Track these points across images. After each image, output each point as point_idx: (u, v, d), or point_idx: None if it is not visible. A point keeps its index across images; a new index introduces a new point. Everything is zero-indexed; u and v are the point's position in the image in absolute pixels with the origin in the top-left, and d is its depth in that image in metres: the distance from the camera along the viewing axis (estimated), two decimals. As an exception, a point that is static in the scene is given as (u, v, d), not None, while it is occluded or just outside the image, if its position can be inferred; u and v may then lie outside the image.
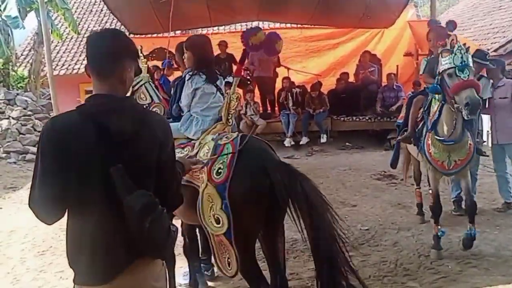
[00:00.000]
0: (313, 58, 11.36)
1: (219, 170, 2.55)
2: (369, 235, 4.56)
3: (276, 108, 10.20)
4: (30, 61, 13.55)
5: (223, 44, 9.67)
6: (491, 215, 5.00)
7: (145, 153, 1.65)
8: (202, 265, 3.75)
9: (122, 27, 9.25)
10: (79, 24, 14.69)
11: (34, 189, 1.58)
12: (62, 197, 1.56)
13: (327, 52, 11.38)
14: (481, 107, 3.56)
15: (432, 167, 3.91)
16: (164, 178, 1.73)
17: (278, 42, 9.67)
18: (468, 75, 3.41)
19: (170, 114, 3.29)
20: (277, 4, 8.94)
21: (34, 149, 8.52)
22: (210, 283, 3.72)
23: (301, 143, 9.42)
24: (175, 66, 6.25)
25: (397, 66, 10.38)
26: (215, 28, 11.38)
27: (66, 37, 14.91)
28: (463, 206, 4.69)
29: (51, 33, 12.30)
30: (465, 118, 3.45)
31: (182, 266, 3.70)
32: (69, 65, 14.31)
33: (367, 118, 9.55)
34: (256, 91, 10.01)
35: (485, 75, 5.09)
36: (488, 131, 4.92)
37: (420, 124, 4.18)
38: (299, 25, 10.94)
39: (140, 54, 3.52)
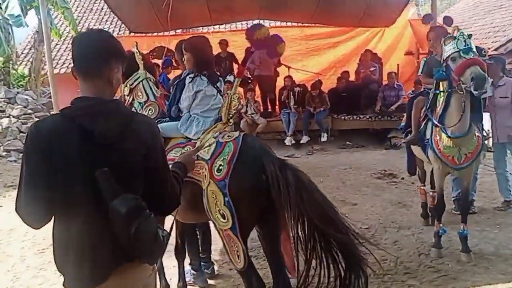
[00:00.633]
0: (313, 56, 11.36)
1: (220, 167, 2.58)
2: (369, 234, 4.55)
3: (277, 107, 10.19)
4: (31, 59, 13.56)
5: (223, 43, 9.65)
6: (491, 214, 5.00)
7: (131, 156, 1.63)
8: (202, 263, 3.76)
9: (123, 25, 9.24)
10: (79, 22, 14.70)
11: (20, 193, 1.58)
12: (48, 201, 1.55)
13: (327, 51, 11.37)
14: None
15: (443, 163, 3.85)
16: (157, 180, 1.72)
17: (280, 44, 9.62)
18: (472, 57, 3.38)
19: (168, 115, 3.26)
20: (278, 4, 8.92)
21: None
22: (210, 281, 3.72)
23: (301, 142, 9.43)
24: (175, 65, 6.25)
25: (398, 65, 10.39)
26: (216, 26, 11.37)
27: (67, 36, 14.90)
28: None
29: (50, 31, 12.29)
30: (474, 93, 3.36)
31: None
32: (70, 63, 14.24)
33: (367, 117, 9.55)
34: (257, 90, 10.00)
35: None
36: (488, 130, 4.90)
37: (423, 124, 4.17)
38: (299, 24, 10.93)
39: (136, 50, 3.47)
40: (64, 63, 14.33)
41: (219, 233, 2.63)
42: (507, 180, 5.19)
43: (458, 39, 3.44)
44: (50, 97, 9.47)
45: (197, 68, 3.10)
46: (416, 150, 4.48)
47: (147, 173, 1.68)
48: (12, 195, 6.77)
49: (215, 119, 3.09)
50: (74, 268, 1.59)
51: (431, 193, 4.64)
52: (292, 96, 9.58)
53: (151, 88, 3.47)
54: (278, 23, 11.55)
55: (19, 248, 4.75)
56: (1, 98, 10.69)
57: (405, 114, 4.95)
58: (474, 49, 3.46)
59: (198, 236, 3.77)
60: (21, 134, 10.00)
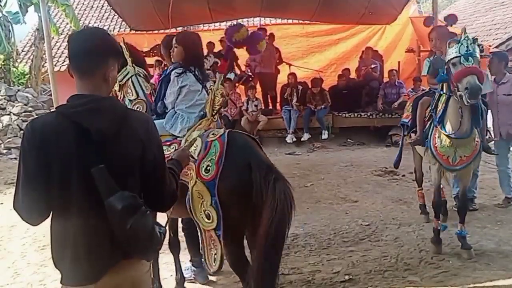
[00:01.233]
0: (314, 54, 11.35)
1: (208, 168, 2.55)
2: (370, 230, 4.56)
3: (278, 104, 10.17)
4: (31, 57, 13.53)
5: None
6: (492, 211, 5.00)
7: (127, 153, 1.64)
8: (202, 259, 3.74)
9: (123, 23, 9.24)
10: (79, 20, 14.67)
11: (17, 191, 1.59)
12: (45, 198, 1.56)
13: (328, 48, 11.37)
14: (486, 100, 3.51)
15: (437, 161, 3.87)
16: (154, 177, 1.72)
17: (261, 42, 9.54)
18: (472, 64, 3.39)
19: (155, 111, 3.23)
20: (279, 2, 8.90)
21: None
22: (211, 278, 3.72)
23: (302, 139, 9.41)
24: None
25: (399, 62, 10.37)
26: (216, 24, 11.35)
27: (68, 33, 14.89)
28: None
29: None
30: (465, 103, 3.41)
31: (183, 261, 3.70)
32: (69, 61, 14.30)
33: (368, 114, 9.54)
34: (258, 87, 9.98)
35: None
36: (490, 127, 4.89)
37: (428, 124, 4.16)
38: (300, 21, 10.91)
39: (123, 45, 3.37)
40: (64, 61, 14.27)
41: (201, 233, 2.62)
42: (508, 177, 5.18)
43: (462, 44, 3.44)
44: (50, 95, 9.45)
45: (186, 62, 3.09)
46: (421, 150, 4.47)
47: (144, 169, 1.67)
48: (13, 192, 6.71)
49: (199, 116, 3.08)
50: (71, 264, 1.60)
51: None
52: (295, 94, 9.56)
53: (140, 85, 3.45)
54: (279, 21, 11.52)
55: (20, 245, 4.75)
56: (2, 95, 10.68)
57: (405, 111, 4.94)
58: (477, 54, 3.45)
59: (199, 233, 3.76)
60: (22, 131, 9.99)
